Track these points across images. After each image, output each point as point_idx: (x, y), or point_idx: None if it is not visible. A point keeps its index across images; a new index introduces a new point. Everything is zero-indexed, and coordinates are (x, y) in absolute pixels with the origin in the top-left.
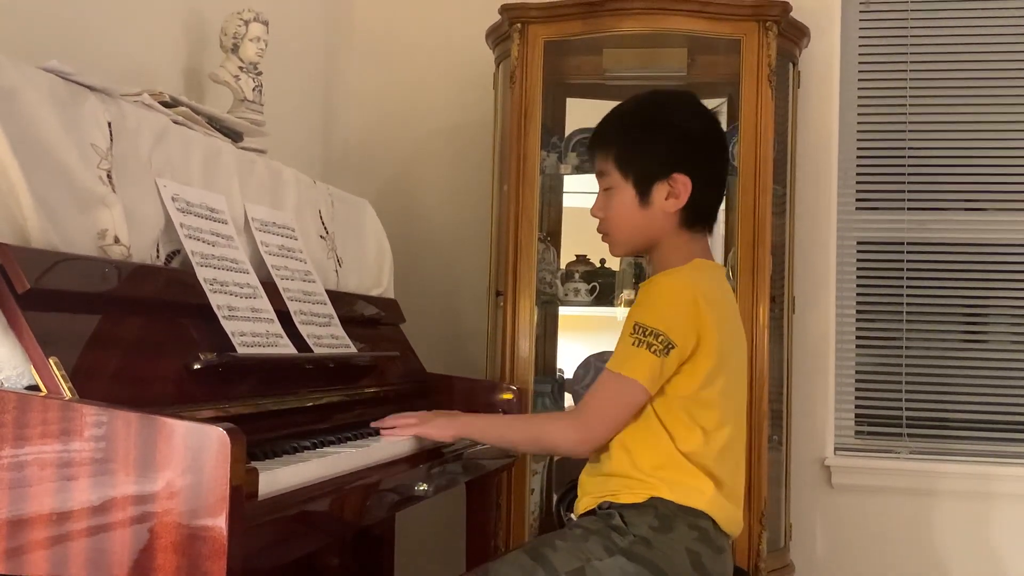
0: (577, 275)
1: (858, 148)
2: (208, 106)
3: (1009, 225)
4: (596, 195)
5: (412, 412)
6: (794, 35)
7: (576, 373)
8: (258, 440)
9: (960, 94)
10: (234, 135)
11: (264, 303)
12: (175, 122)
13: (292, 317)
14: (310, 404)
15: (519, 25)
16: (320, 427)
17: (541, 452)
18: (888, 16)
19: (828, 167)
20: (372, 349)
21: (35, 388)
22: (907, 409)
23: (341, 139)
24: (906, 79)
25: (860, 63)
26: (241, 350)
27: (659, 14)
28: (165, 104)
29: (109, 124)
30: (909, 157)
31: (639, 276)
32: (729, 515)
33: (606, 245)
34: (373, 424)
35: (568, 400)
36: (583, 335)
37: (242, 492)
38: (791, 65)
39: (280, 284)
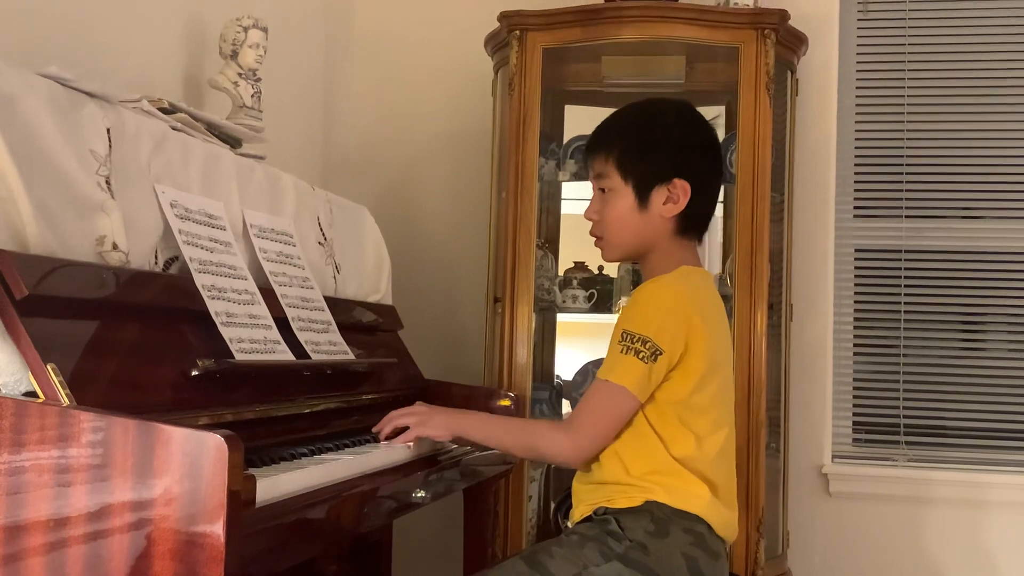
0: (575, 282)
1: (856, 156)
2: (207, 112)
3: (1007, 233)
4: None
5: (409, 407)
6: (792, 43)
7: (574, 380)
8: (256, 447)
9: (958, 102)
10: (233, 141)
11: (262, 309)
12: (174, 128)
13: (290, 323)
14: (308, 411)
15: (518, 32)
16: (318, 434)
17: (534, 459)
18: (886, 24)
19: (826, 175)
20: (370, 355)
21: (33, 394)
22: (905, 417)
23: (340, 146)
24: (904, 87)
25: (858, 71)
26: (239, 356)
27: (657, 22)
28: (164, 110)
29: (108, 130)
30: (907, 165)
31: (637, 283)
32: (725, 519)
33: (604, 260)
34: (374, 429)
35: (566, 407)
36: (581, 342)
37: (240, 499)
38: (789, 73)
39: (278, 290)
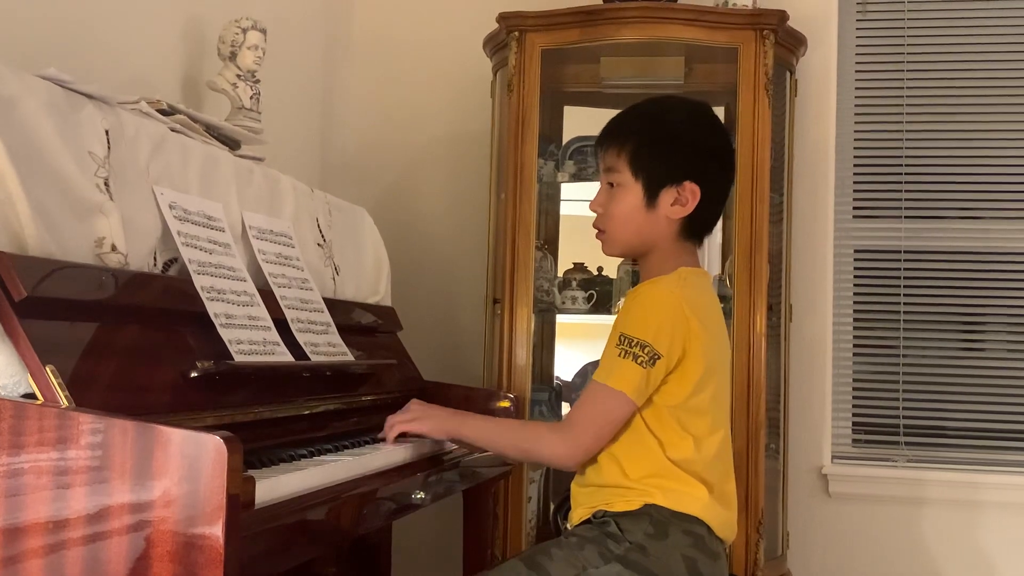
0: (574, 283)
1: (855, 156)
2: (206, 114)
3: (1006, 233)
4: (597, 190)
5: (405, 407)
6: (791, 44)
7: (574, 381)
8: (255, 448)
9: (957, 102)
10: (232, 143)
11: (261, 311)
12: (173, 130)
13: (289, 325)
14: (307, 412)
15: (517, 33)
16: (317, 435)
17: (529, 462)
18: (885, 24)
19: (825, 175)
20: (369, 357)
21: (31, 396)
22: (904, 417)
23: (339, 147)
24: (903, 87)
25: (857, 71)
26: (238, 358)
27: (656, 23)
28: (163, 112)
29: (107, 132)
30: (906, 165)
31: (636, 284)
32: (723, 520)
33: (604, 253)
34: (378, 436)
35: (566, 408)
36: (580, 343)
37: (239, 501)
38: (788, 74)
39: (277, 292)
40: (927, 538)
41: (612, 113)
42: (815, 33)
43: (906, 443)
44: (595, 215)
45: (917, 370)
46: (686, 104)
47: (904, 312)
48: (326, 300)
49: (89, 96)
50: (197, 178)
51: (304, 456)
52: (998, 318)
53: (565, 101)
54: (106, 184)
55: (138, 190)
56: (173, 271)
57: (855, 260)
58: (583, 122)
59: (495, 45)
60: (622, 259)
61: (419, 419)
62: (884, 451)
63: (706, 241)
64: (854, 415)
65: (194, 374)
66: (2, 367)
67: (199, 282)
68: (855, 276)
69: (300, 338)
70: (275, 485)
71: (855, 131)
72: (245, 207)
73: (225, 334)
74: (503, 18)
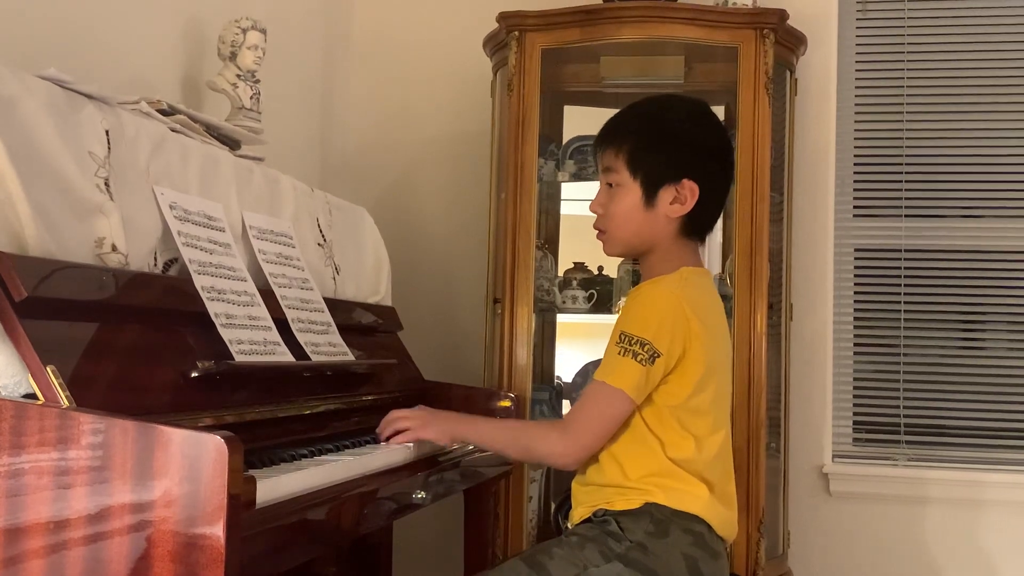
0: (575, 282)
1: (855, 155)
2: (206, 114)
3: (1006, 232)
4: (597, 191)
5: (408, 410)
6: (791, 43)
7: (574, 381)
8: (256, 448)
9: (957, 101)
10: (232, 143)
11: (262, 311)
12: (173, 130)
13: (290, 325)
14: (308, 412)
15: (516, 33)
16: (318, 435)
17: (531, 462)
18: (885, 24)
19: (825, 174)
20: (370, 357)
21: (32, 396)
22: (905, 416)
23: (339, 147)
24: (903, 86)
25: (857, 70)
26: (239, 358)
27: (656, 22)
28: (163, 112)
29: (107, 132)
30: (906, 164)
31: (637, 283)
32: (724, 519)
33: (605, 254)
34: (377, 430)
35: (566, 407)
36: (581, 342)
37: (240, 500)
38: (788, 73)
39: (278, 292)
40: (928, 537)
41: (612, 112)
42: (815, 32)
43: (907, 442)
44: (595, 216)
45: (918, 369)
46: (683, 103)
47: (905, 311)
48: (326, 300)
49: (89, 96)
50: (197, 178)
51: (305, 456)
52: (999, 317)
53: (565, 100)
54: (106, 184)
55: (138, 190)
56: (173, 271)
57: (855, 259)
58: (583, 121)
59: (495, 45)
60: (623, 259)
61: (425, 425)
62: (885, 450)
63: (707, 240)
64: (855, 414)
65: (195, 374)
66: (3, 367)
67: (199, 282)
68: (855, 275)
69: (301, 338)
70: (276, 485)
71: (855, 130)
72: (245, 207)
73: (226, 334)
74: (503, 18)
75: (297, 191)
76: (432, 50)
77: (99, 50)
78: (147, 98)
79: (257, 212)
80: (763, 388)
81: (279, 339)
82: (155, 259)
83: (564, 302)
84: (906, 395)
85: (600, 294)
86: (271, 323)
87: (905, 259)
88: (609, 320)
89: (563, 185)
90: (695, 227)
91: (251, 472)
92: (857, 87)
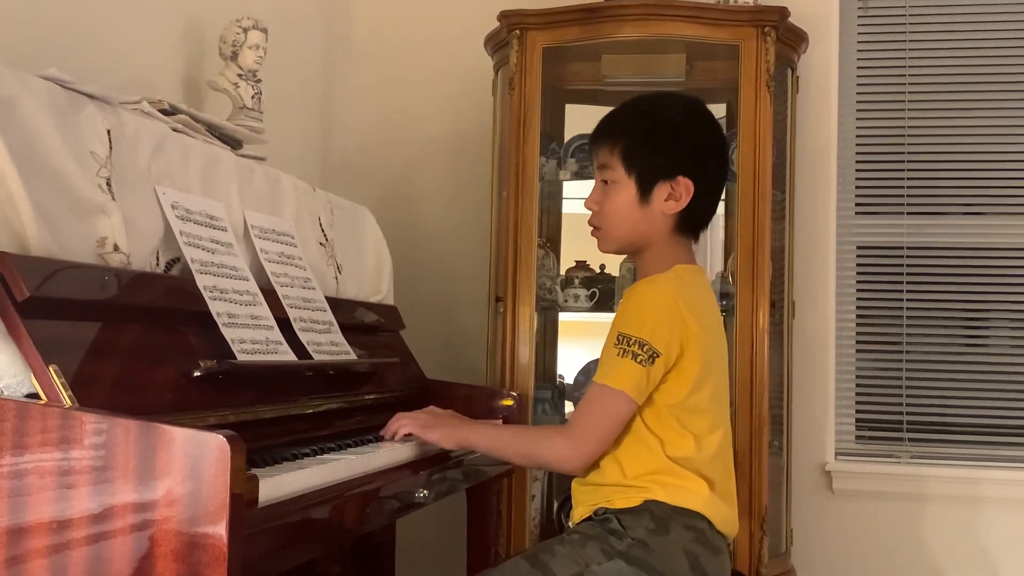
0: (577, 281)
1: (857, 153)
2: (207, 114)
3: (1008, 229)
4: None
5: (413, 413)
6: (793, 41)
7: (576, 379)
8: (258, 447)
9: (959, 98)
10: (233, 143)
11: (264, 310)
12: (174, 130)
13: (292, 324)
14: (310, 411)
15: (518, 31)
16: (320, 434)
17: (535, 468)
18: (886, 21)
19: (827, 172)
20: (372, 356)
21: (35, 396)
22: (908, 414)
23: (340, 146)
24: (905, 83)
25: (859, 68)
26: (241, 357)
27: (657, 20)
28: (164, 112)
29: (108, 132)
30: (908, 161)
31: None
32: (724, 516)
33: (600, 250)
34: (382, 432)
35: (569, 407)
36: (583, 341)
37: (242, 499)
38: (790, 71)
39: (280, 291)
40: (930, 534)
41: (622, 102)
42: (816, 30)
43: (909, 439)
44: (591, 213)
45: (920, 366)
46: (678, 99)
47: (907, 308)
48: (328, 299)
49: (90, 96)
50: (199, 178)
51: (307, 455)
52: (1001, 314)
53: (566, 99)
54: (108, 184)
55: (140, 190)
56: (175, 271)
57: (857, 256)
58: (585, 120)
59: (496, 43)
60: (623, 256)
61: (431, 427)
62: (887, 447)
63: (708, 238)
64: (857, 412)
65: (197, 373)
66: (5, 367)
67: (201, 281)
68: (857, 272)
69: (303, 337)
70: (278, 484)
71: (857, 127)
72: (247, 206)
73: (228, 333)
74: (504, 16)
75: (299, 190)
76: (432, 50)
77: (100, 50)
78: (148, 98)
79: (259, 211)
80: (765, 386)
81: (281, 338)
82: (157, 259)
83: (566, 300)
84: (908, 392)
85: (602, 292)
86: (273, 322)
87: (907, 256)
88: (611, 318)
89: (565, 184)
90: (690, 224)
91: (253, 471)
92: (859, 85)
